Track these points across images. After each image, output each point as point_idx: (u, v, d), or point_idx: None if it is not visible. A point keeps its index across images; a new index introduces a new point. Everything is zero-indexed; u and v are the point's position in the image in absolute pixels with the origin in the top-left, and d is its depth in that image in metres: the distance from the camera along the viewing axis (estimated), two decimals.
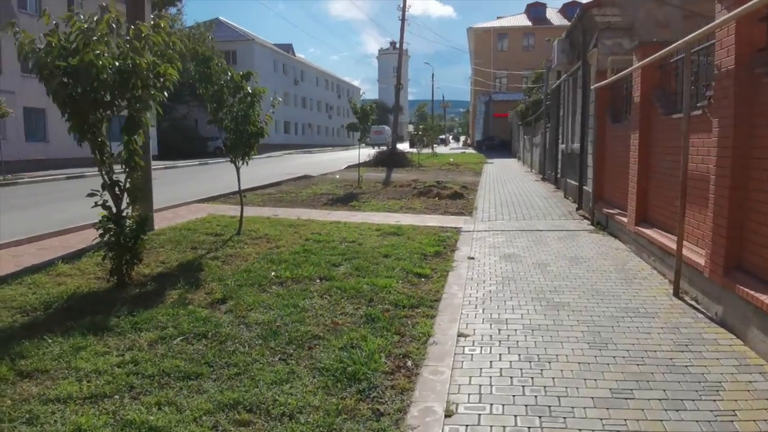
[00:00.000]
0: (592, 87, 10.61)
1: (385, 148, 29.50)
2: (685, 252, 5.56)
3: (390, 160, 28.34)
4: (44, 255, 7.33)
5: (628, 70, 7.90)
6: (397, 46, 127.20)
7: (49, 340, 4.25)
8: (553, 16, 64.15)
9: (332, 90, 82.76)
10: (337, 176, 21.56)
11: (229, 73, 8.72)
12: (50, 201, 15.02)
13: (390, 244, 8.01)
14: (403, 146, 41.96)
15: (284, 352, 4.12)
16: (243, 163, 9.25)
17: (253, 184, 17.26)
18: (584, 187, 11.57)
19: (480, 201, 13.80)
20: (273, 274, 6.26)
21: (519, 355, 4.12)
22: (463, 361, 4.01)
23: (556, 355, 4.08)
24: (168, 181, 20.35)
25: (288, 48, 67.47)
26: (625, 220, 8.09)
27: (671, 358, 3.98)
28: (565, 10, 63.54)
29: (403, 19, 32.68)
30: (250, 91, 8.88)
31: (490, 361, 4.01)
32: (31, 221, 10.96)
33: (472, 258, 7.43)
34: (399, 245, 7.93)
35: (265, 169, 27.40)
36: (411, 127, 70.23)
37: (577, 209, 11.75)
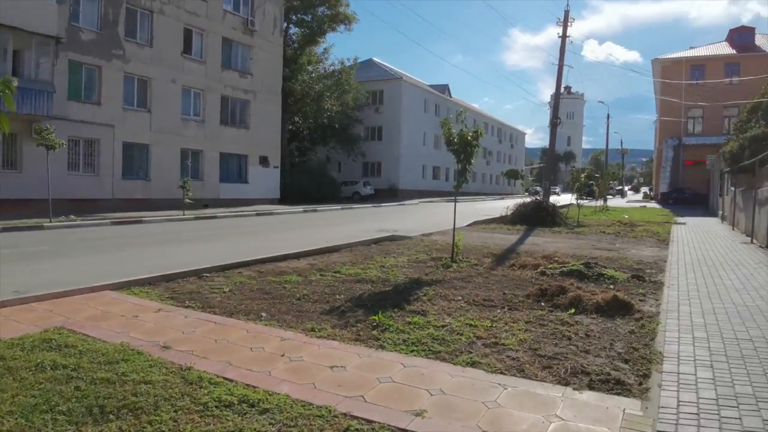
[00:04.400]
0: None
1: (533, 198, 22.16)
2: None
3: (534, 215, 20.94)
4: None
5: None
6: (572, 90, 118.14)
7: None
8: (765, 42, 51.80)
9: (492, 134, 76.04)
10: (439, 239, 14.86)
11: None
12: None
13: None
14: (565, 198, 33.76)
15: None
16: None
17: (310, 245, 11.44)
18: None
19: (676, 323, 6.31)
20: None
21: None
22: None
23: None
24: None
25: (443, 89, 62.49)
26: None
27: None
28: None
29: (563, 35, 25.42)
30: None
31: None
32: None
33: None
34: None
35: (368, 221, 21.59)
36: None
37: None
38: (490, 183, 75.35)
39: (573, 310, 6.74)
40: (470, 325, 6.06)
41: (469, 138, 10.37)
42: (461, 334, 5.69)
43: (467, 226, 19.59)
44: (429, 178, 57.16)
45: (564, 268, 9.46)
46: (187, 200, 23.28)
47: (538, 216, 20.91)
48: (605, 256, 12.08)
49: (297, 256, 11.04)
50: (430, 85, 61.78)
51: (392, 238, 14.73)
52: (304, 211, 27.97)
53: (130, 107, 26.93)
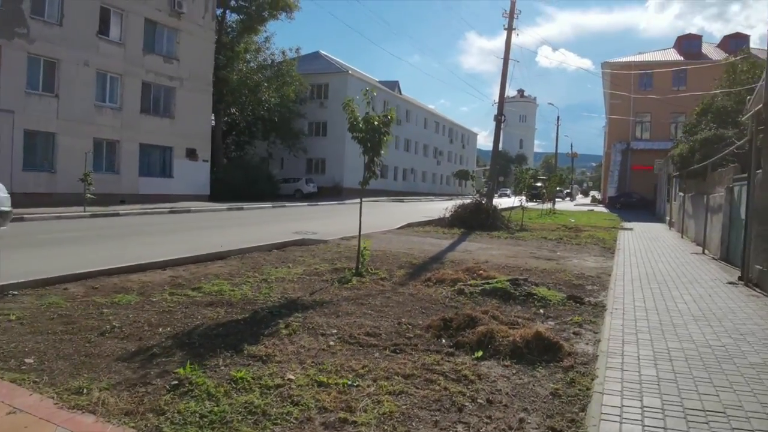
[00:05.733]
0: None
1: (470, 199, 20.40)
2: None
3: (473, 218, 19.21)
4: None
5: None
6: (525, 94, 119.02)
7: None
8: (711, 51, 52.01)
9: (443, 134, 74.73)
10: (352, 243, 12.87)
11: None
12: None
13: None
14: (511, 201, 32.29)
15: None
16: None
17: (201, 250, 9.24)
18: None
19: (618, 376, 4.45)
20: None
21: None
22: None
23: None
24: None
25: (393, 85, 60.66)
26: None
27: None
28: (726, 44, 51.36)
29: (509, 26, 23.79)
30: None
31: None
32: None
33: None
34: None
35: (293, 221, 19.52)
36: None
37: None
38: (441, 183, 74.01)
39: (480, 353, 4.84)
40: (320, 383, 4.06)
41: (376, 123, 8.40)
42: (297, 404, 3.69)
43: (398, 228, 17.68)
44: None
45: (487, 285, 7.59)
46: (89, 195, 20.62)
47: (477, 219, 19.17)
48: (542, 268, 10.33)
49: (165, 265, 8.85)
50: (380, 81, 59.91)
51: (303, 242, 12.66)
52: (228, 209, 25.53)
53: (34, 91, 23.98)
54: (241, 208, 26.08)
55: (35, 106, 23.88)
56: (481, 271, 8.58)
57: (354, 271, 8.75)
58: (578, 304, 7.20)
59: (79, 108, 25.49)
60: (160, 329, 5.38)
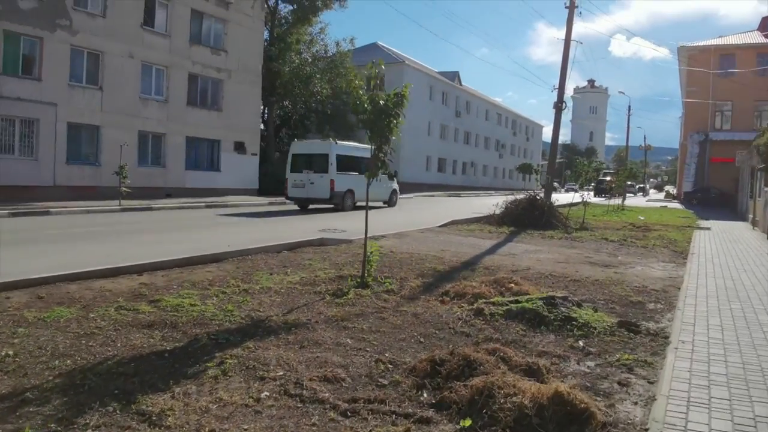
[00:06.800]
0: None
1: (527, 194, 18.49)
2: None
3: (525, 215, 17.35)
4: None
5: None
6: (596, 84, 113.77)
7: None
8: None
9: (506, 126, 71.91)
10: (387, 244, 11.40)
11: None
12: None
13: None
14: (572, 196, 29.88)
15: None
16: None
17: (206, 250, 8.12)
18: None
19: None
20: None
21: None
22: None
23: None
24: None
25: (453, 76, 58.58)
26: None
27: None
28: None
29: (572, 2, 21.60)
30: None
31: None
32: None
33: None
34: None
35: (327, 218, 18.28)
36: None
37: None
38: (503, 178, 71.31)
39: (468, 422, 3.30)
40: None
41: (382, 104, 6.91)
42: None
43: (440, 226, 16.07)
44: (434, 170, 53.45)
45: (514, 305, 5.99)
46: (125, 189, 20.08)
47: (530, 216, 17.28)
48: (595, 278, 8.56)
49: (141, 269, 7.68)
50: (439, 72, 58.01)
51: (322, 242, 11.32)
52: (269, 203, 24.64)
53: (78, 84, 23.80)
54: (284, 203, 25.15)
55: (79, 99, 23.69)
56: (511, 284, 6.95)
57: (359, 280, 7.31)
58: (632, 334, 5.50)
59: (124, 100, 25.19)
60: (57, 362, 4.14)
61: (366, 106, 6.98)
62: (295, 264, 8.78)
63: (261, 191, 31.98)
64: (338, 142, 22.66)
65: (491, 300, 6.29)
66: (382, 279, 7.60)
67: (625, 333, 5.49)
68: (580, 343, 5.16)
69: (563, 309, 5.84)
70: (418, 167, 50.06)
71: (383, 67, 7.64)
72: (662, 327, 5.87)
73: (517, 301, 6.12)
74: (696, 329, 5.73)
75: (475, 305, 6.19)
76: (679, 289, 8.04)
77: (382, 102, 6.88)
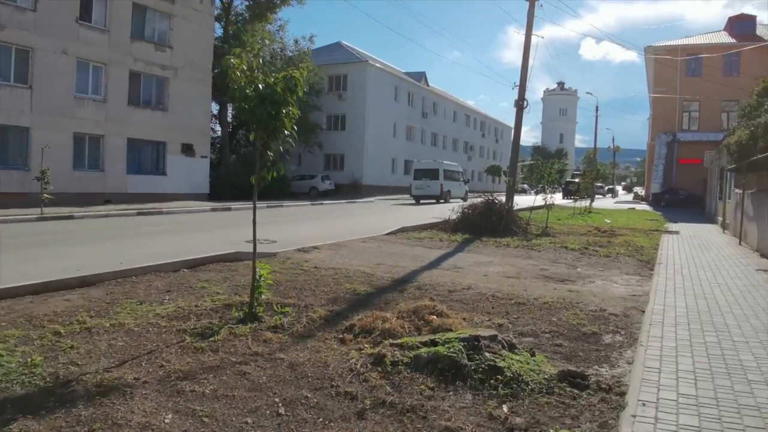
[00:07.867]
0: None
1: (484, 197, 17.17)
2: None
3: (483, 220, 16.00)
4: None
5: None
6: (565, 86, 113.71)
7: None
8: (766, 34, 46.91)
9: (475, 127, 70.96)
10: (316, 257, 9.89)
11: None
12: None
13: None
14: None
15: None
16: None
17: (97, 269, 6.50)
18: None
19: None
20: None
21: None
22: None
23: None
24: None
25: (420, 76, 57.30)
26: None
27: None
28: None
29: None
30: None
31: None
32: None
33: None
34: None
35: (266, 225, 16.63)
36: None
37: None
38: (472, 180, 70.22)
39: None
40: None
41: (268, 91, 5.40)
42: None
43: (388, 234, 14.62)
44: (400, 173, 52.02)
45: (425, 350, 4.53)
46: (47, 195, 18.19)
47: (487, 221, 15.93)
48: (545, 300, 7.17)
49: None
50: (406, 72, 56.71)
51: (235, 257, 9.73)
52: (212, 210, 22.91)
53: (5, 83, 21.91)
54: (229, 209, 23.43)
55: (6, 99, 21.77)
56: (432, 316, 5.51)
57: (249, 310, 5.80)
58: (576, 390, 4.08)
59: (57, 100, 23.29)
60: None
61: (248, 92, 5.46)
62: (183, 288, 7.22)
63: (212, 196, 30.24)
64: (443, 161, 37.77)
65: (400, 341, 4.83)
66: (279, 307, 6.11)
67: (567, 389, 4.07)
68: (504, 408, 3.74)
69: (488, 355, 4.41)
70: (383, 169, 48.69)
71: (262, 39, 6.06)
72: (618, 375, 4.48)
73: (433, 343, 4.67)
74: (662, 379, 4.35)
75: (379, 348, 4.73)
76: (643, 312, 6.71)
77: (262, 87, 5.37)
